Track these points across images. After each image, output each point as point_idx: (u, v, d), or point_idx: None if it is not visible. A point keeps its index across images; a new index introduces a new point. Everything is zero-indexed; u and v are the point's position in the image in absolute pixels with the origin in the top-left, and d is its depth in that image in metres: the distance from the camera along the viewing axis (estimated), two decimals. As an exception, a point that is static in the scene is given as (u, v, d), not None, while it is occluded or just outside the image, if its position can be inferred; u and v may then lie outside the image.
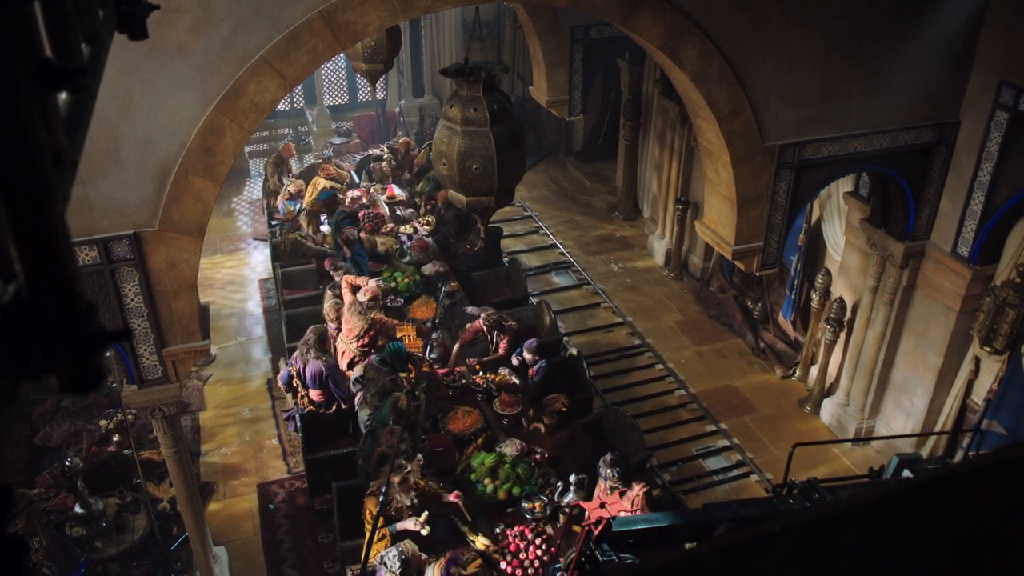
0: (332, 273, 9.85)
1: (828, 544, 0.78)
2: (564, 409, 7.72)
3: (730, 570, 0.77)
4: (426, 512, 6.43)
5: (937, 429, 8.57)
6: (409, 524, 6.36)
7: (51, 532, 7.47)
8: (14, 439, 8.63)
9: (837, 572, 0.77)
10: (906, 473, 6.34)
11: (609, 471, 6.56)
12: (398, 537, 6.33)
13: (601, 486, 6.69)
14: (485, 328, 8.77)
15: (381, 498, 6.33)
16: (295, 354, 8.29)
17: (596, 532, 5.41)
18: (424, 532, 6.33)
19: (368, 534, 6.26)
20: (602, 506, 6.12)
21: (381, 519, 6.30)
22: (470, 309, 9.30)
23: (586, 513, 5.92)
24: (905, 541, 0.77)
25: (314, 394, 8.04)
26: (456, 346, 8.78)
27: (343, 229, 10.25)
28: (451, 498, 6.60)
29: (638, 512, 6.29)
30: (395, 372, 7.75)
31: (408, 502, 6.44)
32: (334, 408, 8.09)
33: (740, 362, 10.93)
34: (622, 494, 6.53)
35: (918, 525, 0.79)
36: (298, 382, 8.23)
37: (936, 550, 0.78)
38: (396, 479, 6.47)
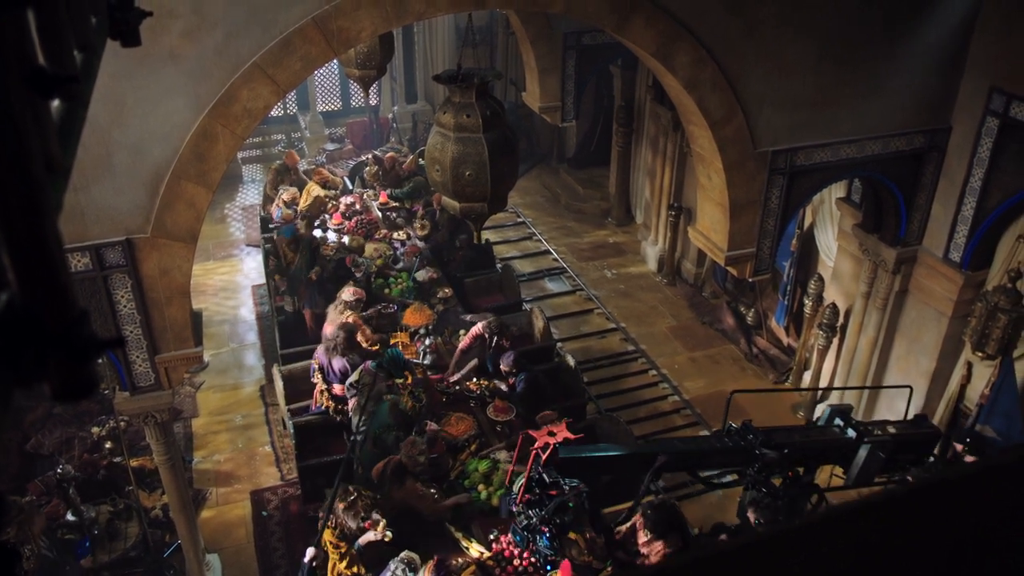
0: (354, 270, 9.88)
1: (827, 546, 0.78)
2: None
3: (730, 572, 0.77)
4: (383, 520, 6.35)
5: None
6: (370, 536, 6.33)
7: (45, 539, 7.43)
8: (5, 446, 8.58)
9: (836, 574, 0.77)
10: (837, 421, 6.68)
11: (645, 514, 6.37)
12: (364, 552, 6.31)
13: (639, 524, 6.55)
14: (487, 334, 8.75)
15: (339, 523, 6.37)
16: (319, 349, 8.38)
17: (544, 457, 5.79)
18: (387, 539, 6.28)
19: (332, 563, 6.28)
20: (550, 434, 6.26)
21: (344, 546, 6.31)
22: (469, 318, 9.30)
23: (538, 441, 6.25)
24: (903, 543, 0.78)
25: (339, 388, 8.07)
26: (456, 353, 8.80)
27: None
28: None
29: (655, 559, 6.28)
30: (391, 378, 7.75)
31: (355, 525, 6.38)
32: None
33: (733, 368, 10.94)
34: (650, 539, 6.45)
35: (916, 528, 0.79)
36: (319, 377, 8.29)
37: (934, 552, 0.78)
38: (342, 505, 6.42)
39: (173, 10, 5.27)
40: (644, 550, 6.50)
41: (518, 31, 10.81)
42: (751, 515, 6.45)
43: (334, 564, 6.34)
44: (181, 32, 5.35)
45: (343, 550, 6.27)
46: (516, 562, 6.41)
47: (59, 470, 7.99)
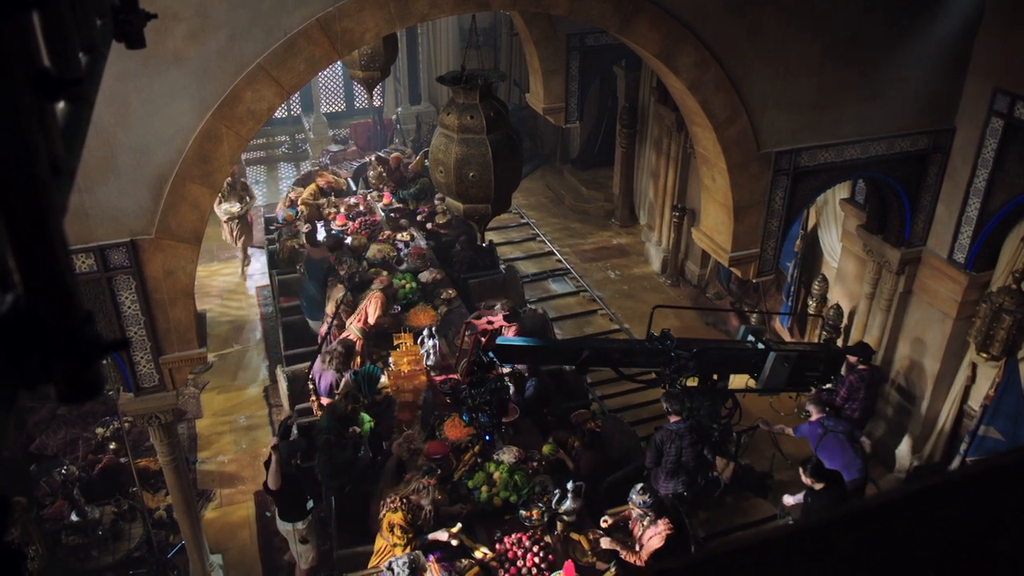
0: (338, 268, 9.92)
1: (829, 548, 0.79)
2: (597, 430, 7.70)
3: (730, 574, 0.77)
4: (459, 524, 6.47)
5: (935, 435, 8.57)
6: (441, 536, 6.40)
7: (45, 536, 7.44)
8: (9, 447, 8.60)
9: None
10: (750, 338, 7.75)
11: (639, 498, 6.53)
12: (426, 549, 6.35)
13: (632, 513, 6.71)
14: (502, 317, 8.97)
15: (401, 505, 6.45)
16: (317, 360, 8.39)
17: (484, 341, 6.47)
18: (455, 543, 6.36)
19: (395, 544, 6.34)
20: (489, 322, 6.87)
21: (411, 534, 6.37)
22: (485, 305, 9.48)
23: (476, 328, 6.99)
24: (906, 544, 0.78)
25: (326, 402, 8.04)
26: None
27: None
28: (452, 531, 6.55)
29: (659, 547, 6.42)
30: (359, 391, 7.73)
31: (428, 507, 6.47)
32: None
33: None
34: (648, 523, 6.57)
35: (918, 529, 0.79)
36: (311, 387, 8.32)
37: (936, 554, 0.78)
38: (431, 481, 6.55)
39: (177, 12, 5.28)
40: (644, 541, 6.52)
41: (522, 32, 10.81)
42: (664, 405, 7.56)
43: (388, 548, 6.40)
44: (185, 34, 5.37)
45: (409, 538, 6.31)
46: (520, 563, 6.42)
47: (63, 471, 8.01)
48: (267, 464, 6.97)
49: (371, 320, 8.71)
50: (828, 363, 7.86)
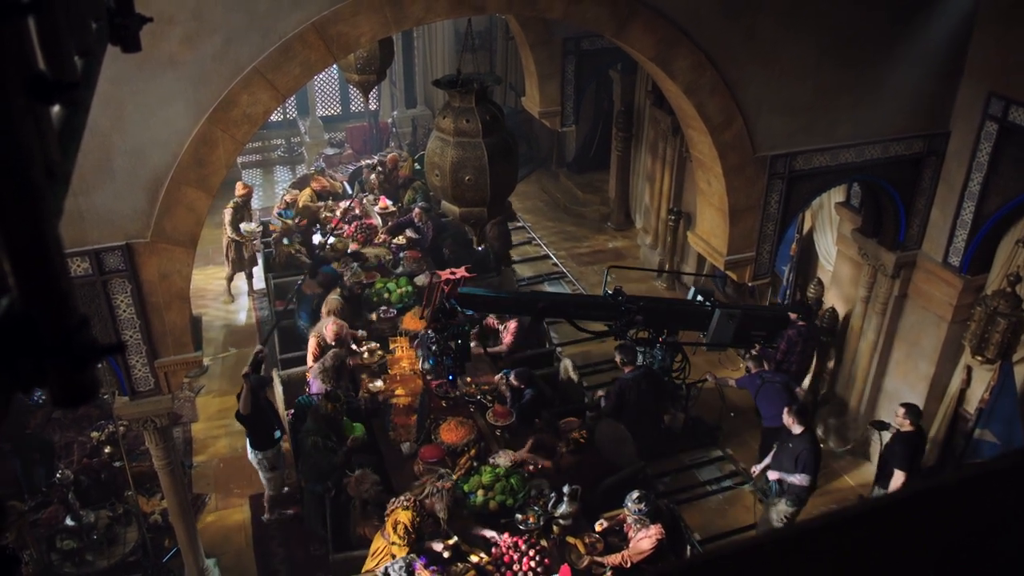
0: (343, 272, 9.92)
1: (826, 551, 0.79)
2: (582, 441, 7.68)
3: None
4: (456, 537, 6.46)
5: (930, 439, 8.57)
6: (437, 547, 6.40)
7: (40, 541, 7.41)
8: (4, 451, 8.56)
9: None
10: (699, 299, 8.38)
11: (635, 506, 6.57)
12: (422, 555, 6.35)
13: (628, 518, 6.74)
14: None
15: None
16: (315, 367, 8.41)
17: (447, 290, 6.95)
18: (446, 555, 6.36)
19: (397, 544, 6.34)
20: (452, 273, 7.25)
21: (413, 536, 6.37)
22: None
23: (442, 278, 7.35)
24: (902, 548, 0.78)
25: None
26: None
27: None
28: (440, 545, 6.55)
29: (649, 550, 6.46)
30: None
31: (443, 515, 6.46)
32: None
33: (733, 371, 10.92)
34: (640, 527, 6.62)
35: (913, 532, 0.79)
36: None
37: (933, 558, 0.78)
38: (446, 485, 6.57)
39: (173, 16, 5.28)
40: (638, 542, 6.53)
41: (517, 36, 10.83)
42: (617, 357, 8.20)
43: (386, 549, 6.39)
44: (181, 38, 5.36)
45: (411, 539, 6.32)
46: (516, 567, 6.41)
47: (58, 475, 7.98)
48: (239, 395, 7.66)
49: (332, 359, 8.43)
50: (773, 321, 8.49)
